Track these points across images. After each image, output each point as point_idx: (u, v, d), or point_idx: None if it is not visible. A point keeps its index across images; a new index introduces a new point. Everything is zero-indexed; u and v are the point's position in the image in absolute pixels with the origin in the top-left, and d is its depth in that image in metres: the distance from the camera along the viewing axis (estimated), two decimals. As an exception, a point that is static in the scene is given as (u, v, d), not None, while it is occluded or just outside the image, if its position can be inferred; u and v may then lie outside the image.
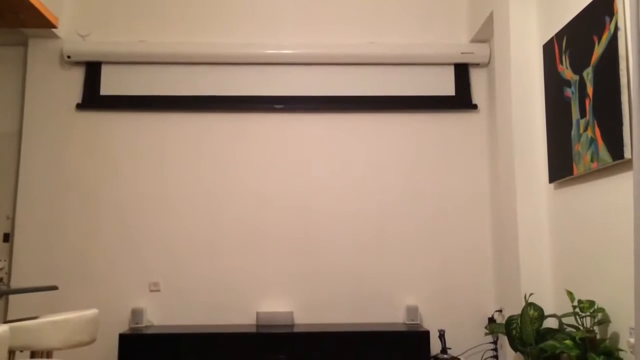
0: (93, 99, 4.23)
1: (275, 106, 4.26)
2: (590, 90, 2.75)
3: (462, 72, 4.34)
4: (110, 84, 4.26)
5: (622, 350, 2.50)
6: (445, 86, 4.31)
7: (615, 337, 2.59)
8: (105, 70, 4.27)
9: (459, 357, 4.01)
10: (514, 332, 2.94)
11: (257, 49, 4.25)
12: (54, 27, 4.06)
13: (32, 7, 3.74)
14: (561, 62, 3.05)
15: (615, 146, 2.51)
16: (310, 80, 4.31)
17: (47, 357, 2.72)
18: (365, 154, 4.28)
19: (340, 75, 4.32)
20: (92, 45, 4.21)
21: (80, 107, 4.22)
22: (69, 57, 4.21)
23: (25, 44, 4.36)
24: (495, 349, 4.04)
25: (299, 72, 4.32)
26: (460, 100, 4.30)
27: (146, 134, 4.25)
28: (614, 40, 2.54)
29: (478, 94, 4.36)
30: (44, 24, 4.01)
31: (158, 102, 4.25)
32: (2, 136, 4.29)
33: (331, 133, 4.30)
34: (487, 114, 4.33)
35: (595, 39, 2.70)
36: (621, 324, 2.54)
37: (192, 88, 4.27)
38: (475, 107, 4.30)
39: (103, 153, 4.23)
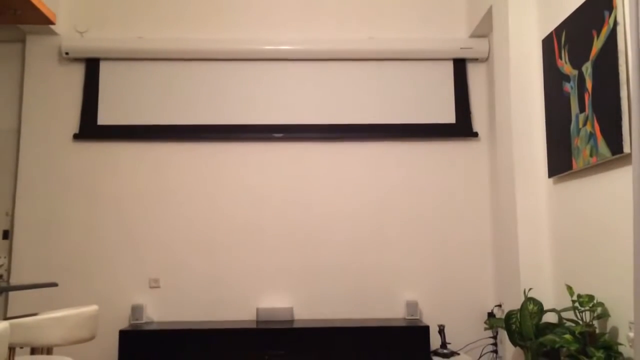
0: (92, 127, 4.21)
1: (275, 135, 4.23)
2: (589, 84, 2.74)
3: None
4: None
5: (621, 344, 2.51)
6: (446, 114, 4.27)
7: (615, 331, 2.59)
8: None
9: (459, 352, 4.01)
10: (514, 326, 2.95)
11: (256, 45, 4.24)
12: (52, 23, 4.05)
13: (30, 4, 3.73)
14: (560, 57, 3.05)
15: (615, 141, 2.51)
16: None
17: (47, 353, 2.72)
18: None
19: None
20: (90, 42, 4.20)
21: (77, 137, 4.20)
22: (67, 53, 4.20)
23: (23, 41, 4.35)
24: (495, 344, 4.05)
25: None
26: (461, 128, 4.27)
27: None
28: (613, 34, 2.54)
29: (477, 94, 4.35)
30: (42, 20, 3.99)
31: (156, 131, 4.21)
32: (1, 133, 4.29)
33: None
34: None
35: (595, 33, 2.70)
36: (620, 319, 2.55)
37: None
38: (476, 134, 4.27)
39: (103, 153, 4.23)
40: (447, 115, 4.29)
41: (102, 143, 4.23)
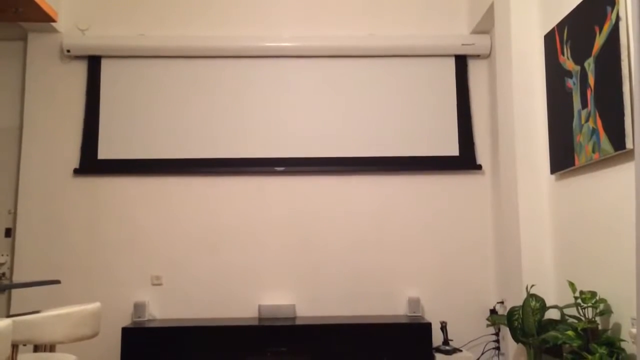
0: (92, 164, 4.20)
1: (277, 168, 4.21)
2: (591, 80, 2.74)
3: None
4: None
5: (623, 340, 2.50)
6: (449, 145, 4.25)
7: (617, 327, 2.59)
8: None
9: (461, 348, 4.01)
10: (516, 323, 2.94)
11: (256, 42, 4.24)
12: (53, 21, 4.05)
13: (31, 1, 3.73)
14: (562, 53, 3.04)
15: (617, 137, 2.50)
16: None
17: (50, 350, 2.73)
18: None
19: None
20: (92, 40, 4.20)
21: (77, 172, 4.18)
22: (68, 51, 4.20)
23: (24, 39, 4.35)
24: (497, 341, 4.05)
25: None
26: (464, 160, 4.25)
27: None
28: (615, 30, 2.53)
29: (478, 94, 4.34)
30: (43, 18, 4.00)
31: (158, 164, 4.20)
32: (3, 131, 4.29)
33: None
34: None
35: (597, 29, 2.69)
36: (623, 315, 2.54)
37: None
38: (479, 167, 4.24)
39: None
40: (450, 146, 4.26)
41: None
